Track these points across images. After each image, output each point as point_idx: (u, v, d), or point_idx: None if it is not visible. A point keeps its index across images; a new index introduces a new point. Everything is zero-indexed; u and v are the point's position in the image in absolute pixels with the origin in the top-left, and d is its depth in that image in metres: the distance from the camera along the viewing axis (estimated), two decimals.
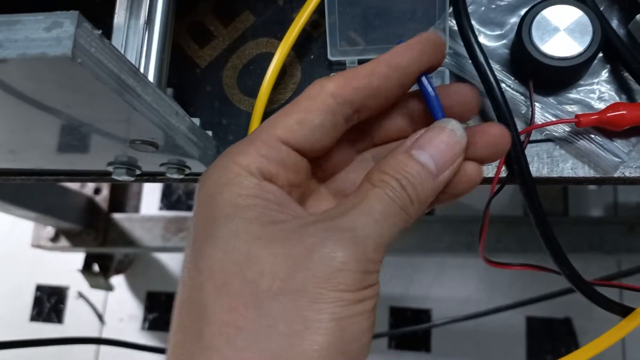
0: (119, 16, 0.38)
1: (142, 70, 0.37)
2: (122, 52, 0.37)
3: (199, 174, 0.40)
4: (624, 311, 0.37)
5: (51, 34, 0.23)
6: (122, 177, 0.38)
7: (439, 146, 0.25)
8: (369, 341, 0.23)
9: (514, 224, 1.01)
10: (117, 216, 1.14)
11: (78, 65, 0.23)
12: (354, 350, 0.22)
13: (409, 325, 1.18)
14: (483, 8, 0.40)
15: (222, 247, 0.23)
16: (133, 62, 0.33)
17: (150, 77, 0.37)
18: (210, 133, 0.39)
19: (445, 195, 0.26)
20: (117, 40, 0.38)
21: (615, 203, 1.17)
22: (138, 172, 0.39)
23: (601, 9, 0.38)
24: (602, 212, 1.18)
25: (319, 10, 0.40)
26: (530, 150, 0.37)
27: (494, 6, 0.40)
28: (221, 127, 0.41)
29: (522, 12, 0.39)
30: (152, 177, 0.41)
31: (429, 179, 0.24)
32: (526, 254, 0.99)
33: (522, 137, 0.36)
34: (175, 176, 0.38)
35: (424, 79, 0.27)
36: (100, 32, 0.25)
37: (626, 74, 0.37)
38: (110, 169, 0.38)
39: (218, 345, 0.21)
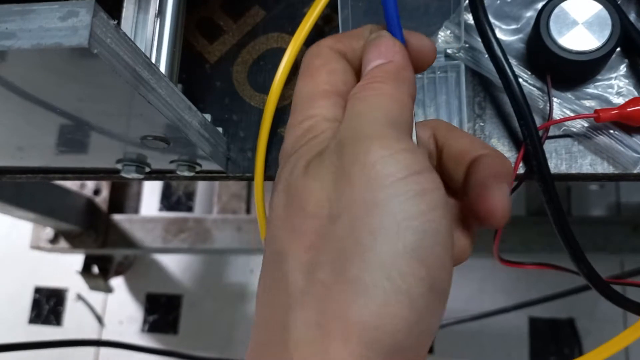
0: (127, 9, 0.37)
1: None
2: None
3: (209, 171, 0.39)
4: None
5: (66, 23, 0.22)
6: (131, 174, 0.37)
7: (380, 46, 0.27)
8: (446, 242, 0.22)
9: (518, 224, 1.00)
10: (117, 217, 1.13)
11: (94, 56, 0.23)
12: (429, 251, 0.21)
13: None
14: (498, 2, 0.39)
15: (282, 188, 0.24)
16: None
17: (162, 71, 0.36)
18: (220, 129, 0.39)
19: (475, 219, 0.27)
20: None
21: (617, 203, 1.17)
22: (147, 169, 0.38)
23: (619, 2, 0.37)
24: (604, 212, 1.17)
25: (331, 5, 0.39)
26: (549, 146, 0.36)
27: (509, 0, 0.39)
28: (232, 123, 0.40)
29: (538, 5, 0.39)
30: (161, 174, 0.40)
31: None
32: (530, 253, 0.98)
33: (540, 133, 0.35)
34: (186, 173, 0.37)
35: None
36: (115, 22, 0.24)
37: None
38: (119, 166, 0.37)
39: (302, 286, 0.22)
